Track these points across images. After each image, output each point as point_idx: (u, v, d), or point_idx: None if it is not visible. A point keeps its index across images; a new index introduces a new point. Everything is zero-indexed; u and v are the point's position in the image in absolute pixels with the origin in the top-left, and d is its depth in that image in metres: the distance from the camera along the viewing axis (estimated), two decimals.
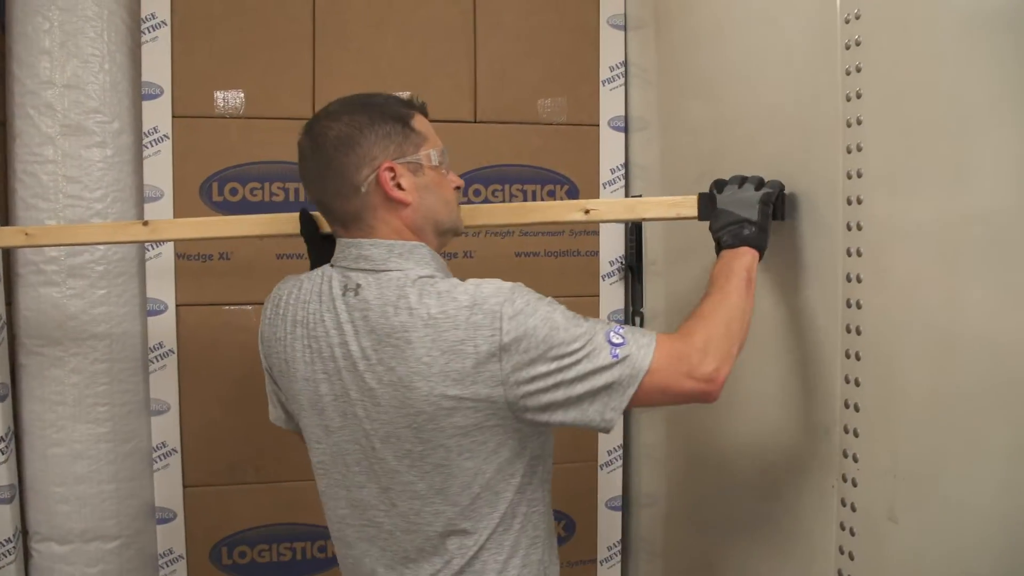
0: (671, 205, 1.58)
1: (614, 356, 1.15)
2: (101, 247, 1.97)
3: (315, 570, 2.17)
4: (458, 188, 1.37)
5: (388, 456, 1.21)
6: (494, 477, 1.22)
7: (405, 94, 1.34)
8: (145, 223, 1.65)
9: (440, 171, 1.31)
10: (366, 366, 1.18)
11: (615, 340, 1.17)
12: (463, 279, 1.20)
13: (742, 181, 1.46)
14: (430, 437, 1.17)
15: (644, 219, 1.75)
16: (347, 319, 1.20)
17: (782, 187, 1.47)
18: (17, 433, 2.04)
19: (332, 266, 1.28)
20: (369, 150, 1.23)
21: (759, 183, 1.45)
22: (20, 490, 2.04)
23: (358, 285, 1.21)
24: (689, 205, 1.54)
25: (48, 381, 1.99)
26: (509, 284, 1.18)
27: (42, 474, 2.02)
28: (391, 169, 1.23)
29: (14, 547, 1.97)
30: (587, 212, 1.59)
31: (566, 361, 1.14)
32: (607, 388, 1.15)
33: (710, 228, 1.48)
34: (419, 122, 1.30)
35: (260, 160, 2.06)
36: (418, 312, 1.15)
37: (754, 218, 1.41)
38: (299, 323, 1.26)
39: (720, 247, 1.44)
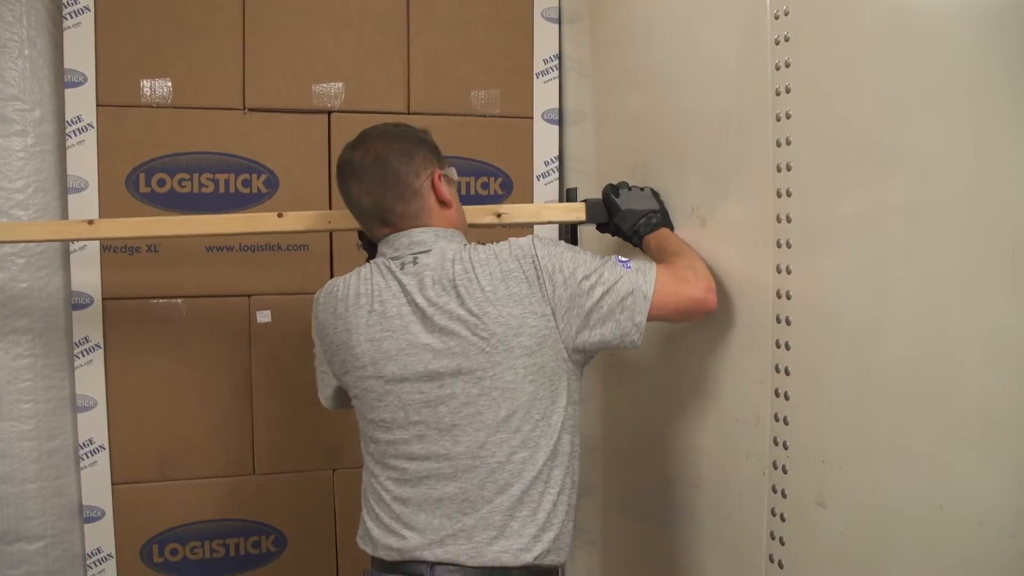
0: (568, 210, 1.82)
1: (627, 267, 1.41)
2: None
3: (249, 566, 2.14)
4: None
5: (458, 390, 1.36)
6: (550, 407, 1.38)
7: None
8: (90, 222, 1.65)
9: (456, 186, 1.59)
10: (435, 311, 1.36)
11: (623, 258, 1.43)
12: None
13: (628, 186, 1.73)
14: (501, 359, 1.35)
15: (548, 221, 1.93)
16: (409, 282, 1.39)
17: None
18: None
19: (377, 260, 1.47)
20: (424, 162, 1.48)
21: (641, 187, 1.74)
22: None
23: (415, 258, 1.42)
24: (579, 210, 1.78)
25: None
26: (530, 235, 1.45)
27: None
28: (440, 177, 1.49)
29: None
30: (499, 215, 1.78)
31: (593, 279, 1.38)
32: (632, 294, 1.37)
33: (622, 228, 1.71)
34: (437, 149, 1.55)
35: (189, 151, 2.01)
36: (472, 260, 1.38)
37: (656, 207, 1.70)
38: (363, 295, 1.43)
39: (640, 238, 1.68)
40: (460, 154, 2.18)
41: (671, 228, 1.66)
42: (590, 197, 1.77)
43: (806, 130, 1.29)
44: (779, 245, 1.35)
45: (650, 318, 1.39)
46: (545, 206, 1.99)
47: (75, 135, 1.94)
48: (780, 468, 1.37)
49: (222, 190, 2.04)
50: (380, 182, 1.45)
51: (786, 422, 1.35)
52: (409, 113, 2.15)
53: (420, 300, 1.38)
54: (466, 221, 1.59)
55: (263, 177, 2.05)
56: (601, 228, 1.78)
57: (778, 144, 1.34)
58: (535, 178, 2.24)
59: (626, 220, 1.69)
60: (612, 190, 1.72)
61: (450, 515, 1.36)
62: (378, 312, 1.41)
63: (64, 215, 1.97)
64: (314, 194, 2.08)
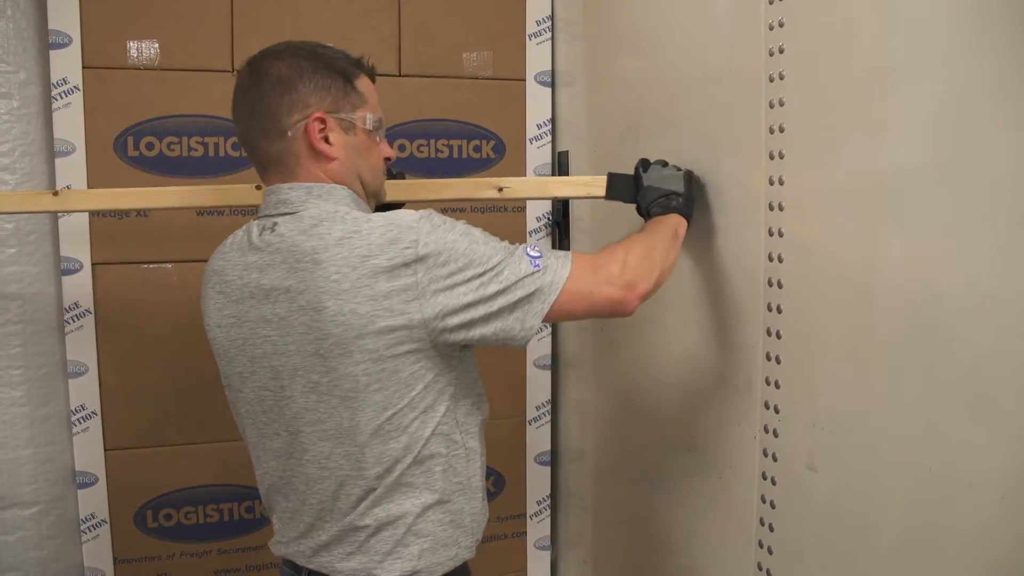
0: (582, 184, 1.63)
1: (535, 266, 1.18)
2: None
3: (243, 531, 2.15)
4: (388, 159, 1.37)
5: (296, 393, 1.18)
6: (408, 414, 1.19)
7: (367, 58, 1.35)
8: (55, 193, 1.59)
9: (373, 137, 1.30)
10: (276, 296, 1.16)
11: (533, 253, 1.20)
12: None
13: (664, 164, 1.55)
14: (337, 365, 1.14)
15: (556, 197, 1.80)
16: (260, 256, 1.19)
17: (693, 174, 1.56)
18: None
19: (253, 220, 1.27)
20: (305, 97, 1.21)
21: (678, 167, 1.54)
22: None
23: (275, 223, 1.20)
24: (598, 185, 1.60)
25: None
26: (424, 210, 1.18)
27: None
28: (322, 120, 1.22)
29: None
30: (500, 190, 1.64)
31: (489, 274, 1.15)
32: (529, 297, 1.17)
33: (639, 204, 1.55)
34: (363, 83, 1.30)
35: (177, 113, 1.99)
36: (330, 235, 1.14)
37: (681, 190, 1.51)
38: (215, 272, 1.26)
39: (648, 217, 1.52)
40: (452, 116, 2.16)
41: (688, 217, 1.49)
42: (616, 171, 1.61)
43: (799, 91, 1.28)
44: (771, 208, 1.34)
45: (551, 320, 1.23)
46: (552, 180, 1.85)
47: (61, 98, 1.91)
48: (771, 432, 1.37)
49: (211, 153, 2.01)
50: (249, 111, 1.23)
51: (777, 386, 1.35)
52: (400, 75, 2.12)
53: (265, 281, 1.18)
54: (374, 180, 1.33)
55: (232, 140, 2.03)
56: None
57: (771, 105, 1.33)
58: (528, 141, 2.22)
59: (645, 197, 1.52)
60: (643, 165, 1.55)
61: (303, 501, 1.25)
62: (225, 294, 1.24)
63: (51, 179, 1.95)
64: None
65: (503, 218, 2.22)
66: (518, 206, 2.23)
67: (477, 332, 1.17)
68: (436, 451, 1.23)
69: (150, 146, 1.98)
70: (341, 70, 1.26)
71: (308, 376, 1.17)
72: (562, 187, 1.75)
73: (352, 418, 1.17)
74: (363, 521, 1.21)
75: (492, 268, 1.16)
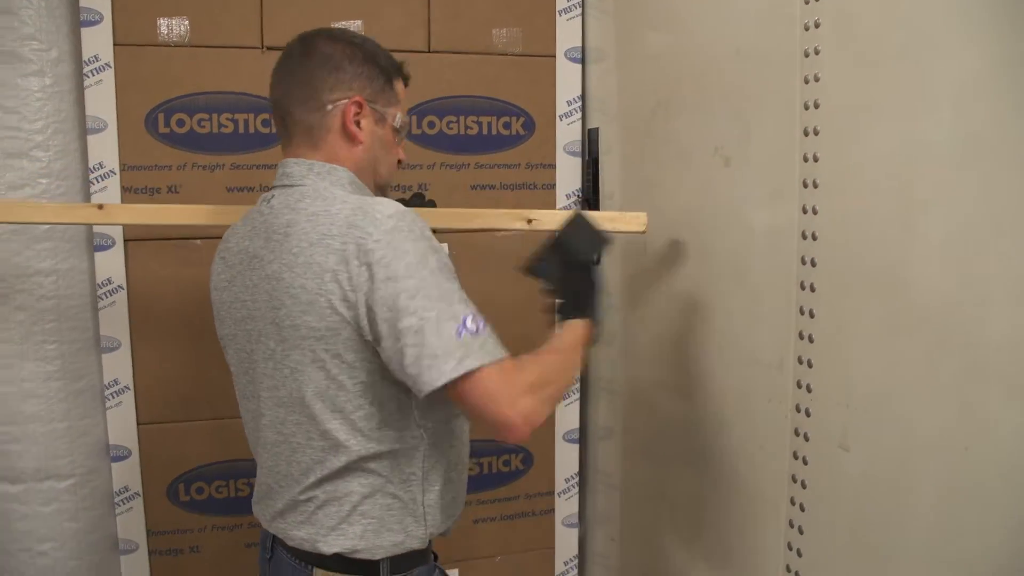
0: (608, 219, 1.65)
1: (459, 334, 1.11)
2: (43, 181, 1.91)
3: None
4: (401, 161, 1.42)
5: (259, 358, 1.24)
6: (354, 400, 1.19)
7: (406, 64, 1.42)
8: (100, 207, 1.67)
9: (396, 136, 1.38)
10: (254, 263, 1.24)
11: (469, 324, 1.12)
12: None
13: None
14: (287, 336, 1.18)
15: None
16: (251, 225, 1.28)
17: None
18: None
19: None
20: (349, 80, 1.28)
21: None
22: None
23: (273, 195, 1.28)
24: (628, 220, 1.65)
25: None
26: (410, 210, 1.17)
27: None
28: (359, 105, 1.28)
29: None
30: (530, 222, 1.65)
31: (418, 303, 1.10)
32: (434, 357, 1.10)
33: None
34: (399, 86, 1.38)
35: (207, 90, 1.99)
36: (306, 210, 1.19)
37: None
38: (223, 240, 1.36)
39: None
40: (481, 93, 2.15)
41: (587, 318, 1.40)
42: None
43: (835, 66, 1.26)
44: (805, 185, 1.32)
45: (434, 397, 1.13)
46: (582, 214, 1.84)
47: (92, 75, 1.92)
48: (803, 411, 1.36)
49: (242, 130, 2.02)
50: (293, 80, 1.27)
51: (810, 365, 1.34)
52: (429, 51, 2.11)
53: (251, 248, 1.25)
54: (388, 173, 1.37)
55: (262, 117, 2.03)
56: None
57: (806, 81, 1.31)
58: (557, 118, 2.21)
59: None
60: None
61: (269, 486, 1.30)
62: (226, 260, 1.32)
63: (84, 156, 1.96)
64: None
65: (532, 195, 2.21)
66: (548, 183, 2.21)
67: (381, 352, 1.15)
68: (386, 440, 1.22)
69: (180, 123, 1.99)
70: (385, 67, 1.33)
71: (267, 343, 1.22)
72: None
73: (299, 390, 1.20)
74: (311, 493, 1.24)
75: (427, 299, 1.11)
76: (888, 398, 1.19)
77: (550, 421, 2.31)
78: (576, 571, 2.42)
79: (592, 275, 1.44)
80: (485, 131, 2.16)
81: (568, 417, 2.33)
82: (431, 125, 2.11)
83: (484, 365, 1.11)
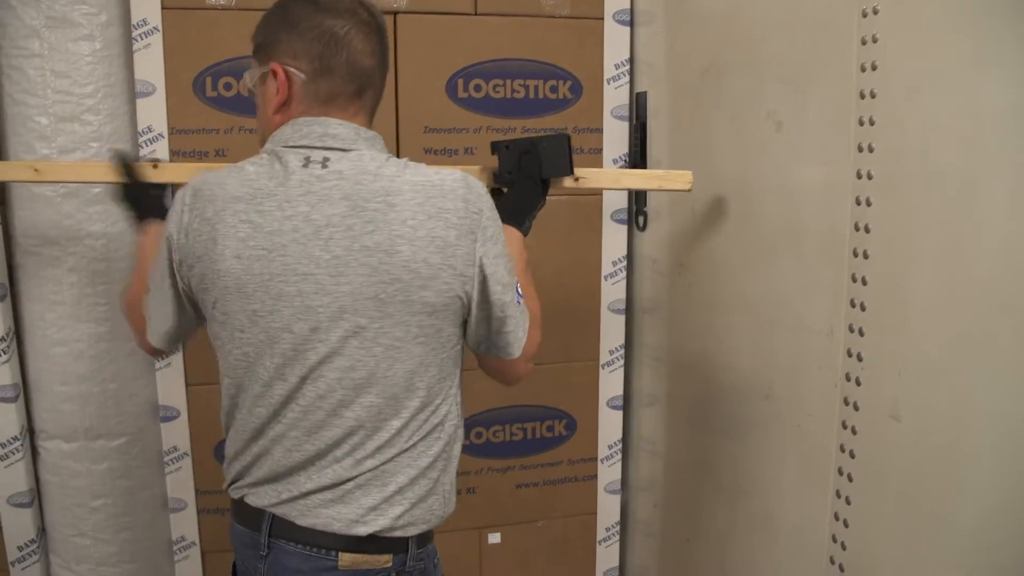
0: (655, 178, 1.70)
1: (519, 303, 1.24)
2: (94, 145, 1.93)
3: None
4: None
5: (333, 336, 1.15)
6: (436, 374, 1.21)
7: None
8: (155, 165, 1.67)
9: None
10: (331, 233, 1.13)
11: (519, 289, 1.25)
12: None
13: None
14: (394, 312, 1.14)
15: (629, 188, 1.85)
16: (311, 189, 1.15)
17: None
18: (18, 333, 2.03)
19: (280, 149, 1.21)
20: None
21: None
22: (24, 390, 2.05)
23: (325, 158, 1.17)
24: (674, 179, 1.66)
25: (46, 281, 1.98)
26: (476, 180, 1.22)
27: (45, 373, 2.02)
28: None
29: (21, 445, 1.99)
30: (576, 180, 1.63)
31: (511, 279, 1.22)
32: (518, 327, 1.24)
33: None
34: None
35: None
36: (402, 179, 1.15)
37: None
38: (240, 199, 1.16)
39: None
40: (528, 56, 2.12)
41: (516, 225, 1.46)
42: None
43: (895, 26, 1.22)
44: (860, 149, 1.29)
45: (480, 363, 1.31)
46: (625, 172, 1.85)
47: (141, 39, 1.93)
48: (853, 380, 1.34)
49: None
50: (381, 48, 1.25)
51: (861, 333, 1.31)
52: (476, 14, 2.08)
53: (317, 216, 1.13)
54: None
55: None
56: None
57: (863, 42, 1.27)
58: (605, 81, 2.17)
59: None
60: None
61: (309, 475, 1.22)
62: (255, 224, 1.15)
63: (133, 120, 1.98)
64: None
65: (578, 160, 2.15)
66: (595, 147, 2.19)
67: (475, 317, 1.22)
68: (437, 417, 1.25)
69: (228, 86, 1.99)
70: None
71: (355, 319, 1.15)
72: (635, 180, 1.81)
73: (389, 369, 1.17)
74: (354, 472, 1.20)
75: (507, 273, 1.22)
76: (943, 368, 1.16)
77: (594, 388, 2.31)
78: (618, 537, 2.43)
79: (541, 194, 1.54)
80: (532, 95, 2.14)
81: (612, 384, 2.32)
82: (477, 88, 2.09)
83: (527, 338, 1.27)
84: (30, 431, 2.05)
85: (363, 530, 1.20)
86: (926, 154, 1.17)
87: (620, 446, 2.37)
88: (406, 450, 1.21)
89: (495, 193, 1.51)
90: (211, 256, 1.17)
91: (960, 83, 1.11)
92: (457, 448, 1.31)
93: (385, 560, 1.22)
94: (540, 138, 1.54)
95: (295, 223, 1.14)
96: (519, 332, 1.24)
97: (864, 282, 1.30)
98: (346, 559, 1.20)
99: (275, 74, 1.22)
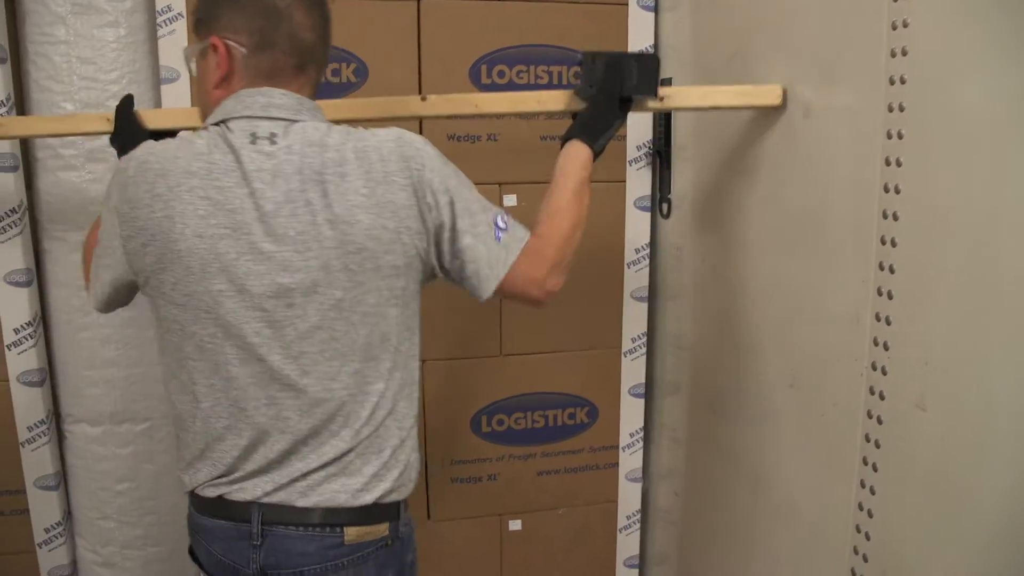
0: (742, 94, 1.59)
1: (498, 239, 1.24)
2: None
3: None
4: None
5: (310, 310, 1.15)
6: (404, 332, 1.24)
7: None
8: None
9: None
10: (292, 209, 1.13)
11: (500, 223, 1.25)
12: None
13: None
14: (365, 279, 1.17)
15: (716, 107, 1.67)
16: (263, 166, 1.14)
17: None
18: (44, 318, 2.05)
19: (223, 121, 1.20)
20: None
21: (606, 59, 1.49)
22: (50, 374, 2.07)
23: (272, 133, 1.17)
24: (766, 95, 1.57)
25: (72, 266, 1.99)
26: (414, 134, 1.23)
27: (72, 358, 2.04)
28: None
29: (47, 428, 2.01)
30: (661, 99, 1.57)
31: (468, 221, 1.21)
32: (490, 266, 1.23)
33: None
34: None
35: None
36: (346, 147, 1.16)
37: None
38: (193, 174, 1.14)
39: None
40: (552, 42, 2.11)
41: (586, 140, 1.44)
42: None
43: (926, 11, 1.20)
44: (889, 136, 1.27)
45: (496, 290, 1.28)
46: (713, 89, 1.68)
47: (165, 25, 1.93)
48: (879, 369, 1.32)
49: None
50: (322, 19, 1.26)
51: (888, 322, 1.30)
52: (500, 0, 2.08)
53: (274, 194, 1.13)
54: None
55: (352, 66, 2.02)
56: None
57: (893, 27, 1.25)
58: None
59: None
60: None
61: (306, 456, 1.21)
62: (215, 201, 1.13)
63: (157, 106, 1.99)
64: (404, 83, 2.05)
65: None
66: (619, 134, 2.17)
67: (447, 260, 1.24)
68: (411, 375, 1.28)
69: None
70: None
71: (330, 293, 1.15)
72: (725, 97, 1.63)
73: (368, 335, 1.20)
74: (354, 442, 1.22)
75: (473, 211, 1.22)
76: (971, 358, 1.15)
77: (616, 375, 2.30)
78: (639, 526, 2.43)
79: (619, 112, 1.49)
80: (555, 81, 2.13)
81: (634, 371, 2.32)
82: (500, 75, 2.09)
83: (518, 258, 1.25)
84: (56, 415, 2.08)
85: (368, 498, 1.22)
86: (957, 140, 1.16)
87: (642, 434, 2.36)
88: (391, 412, 1.25)
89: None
90: (169, 235, 1.14)
91: (993, 68, 1.09)
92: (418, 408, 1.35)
93: (383, 529, 1.26)
94: (628, 54, 1.54)
95: (255, 201, 1.14)
96: (484, 270, 1.23)
97: (892, 270, 1.28)
98: (351, 533, 1.22)
99: (215, 48, 1.21)
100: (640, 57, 1.51)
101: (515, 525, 2.33)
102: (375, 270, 1.16)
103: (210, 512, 1.25)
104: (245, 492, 1.22)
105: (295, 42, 1.22)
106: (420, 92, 2.05)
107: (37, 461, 2.02)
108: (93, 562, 2.12)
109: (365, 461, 1.23)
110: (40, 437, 2.01)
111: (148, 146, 1.21)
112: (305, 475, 1.21)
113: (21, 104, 1.95)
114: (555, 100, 1.58)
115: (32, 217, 2.00)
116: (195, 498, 1.28)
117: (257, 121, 1.18)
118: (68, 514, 2.12)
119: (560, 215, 1.34)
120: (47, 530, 2.07)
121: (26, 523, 2.06)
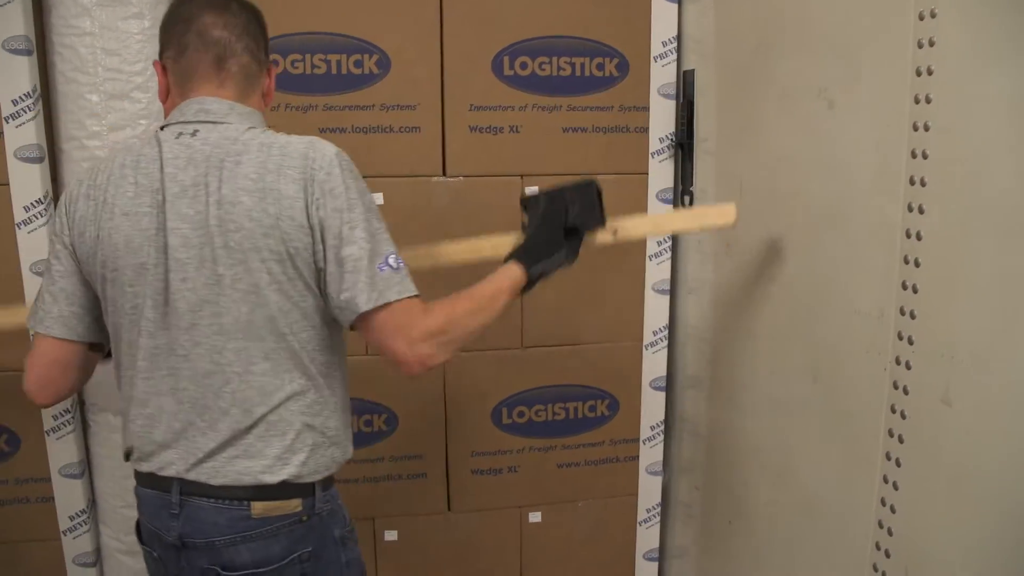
0: (697, 216, 1.69)
1: (382, 269, 1.24)
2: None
3: (361, 443, 2.21)
4: None
5: (199, 284, 1.25)
6: (303, 322, 1.28)
7: None
8: None
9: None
10: (195, 192, 1.24)
11: (392, 262, 1.25)
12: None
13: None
14: (245, 258, 1.23)
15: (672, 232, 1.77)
16: (179, 154, 1.27)
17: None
18: None
19: (165, 127, 1.34)
20: (267, 48, 1.44)
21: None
22: None
23: (196, 130, 1.29)
24: (716, 214, 1.63)
25: None
26: (339, 150, 1.29)
27: None
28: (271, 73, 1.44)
29: (72, 417, 2.03)
30: (615, 232, 1.60)
31: (357, 235, 1.23)
32: (362, 289, 1.22)
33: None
34: None
35: (301, 31, 2.00)
36: (254, 142, 1.26)
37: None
38: (127, 165, 1.30)
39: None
40: (574, 33, 2.10)
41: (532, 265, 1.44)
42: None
43: (953, 0, 1.19)
44: (915, 128, 1.26)
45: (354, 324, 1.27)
46: (664, 217, 1.77)
47: None
48: (903, 364, 1.31)
49: (334, 71, 2.02)
50: (238, 23, 1.35)
51: (912, 316, 1.29)
52: None
53: (183, 177, 1.25)
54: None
55: (375, 58, 2.03)
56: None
57: (920, 18, 1.24)
58: (652, 59, 2.15)
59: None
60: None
61: (203, 430, 1.29)
62: (140, 185, 1.28)
63: None
64: (427, 75, 2.05)
65: (624, 140, 2.17)
66: (641, 126, 2.17)
67: (325, 274, 1.26)
68: (321, 365, 1.32)
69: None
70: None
71: (215, 268, 1.23)
72: (678, 222, 1.76)
73: (250, 313, 1.25)
74: (254, 423, 1.28)
75: (364, 234, 1.24)
76: (997, 352, 1.14)
77: (637, 368, 2.30)
78: (659, 519, 2.42)
79: (563, 241, 1.50)
80: (578, 72, 2.12)
81: (655, 364, 2.31)
82: (523, 66, 2.08)
83: (397, 300, 1.24)
84: (80, 404, 2.09)
85: (271, 479, 1.29)
86: (985, 133, 1.14)
87: (662, 427, 2.36)
88: (292, 396, 1.30)
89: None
90: (102, 217, 1.29)
91: (1018, 57, 1.07)
92: (343, 394, 1.40)
93: (295, 504, 1.31)
94: (566, 186, 1.54)
95: (169, 183, 1.26)
96: (362, 282, 1.23)
97: (916, 264, 1.27)
98: (258, 507, 1.29)
99: (156, 69, 1.39)
100: (579, 186, 1.54)
101: (535, 517, 2.33)
102: (254, 250, 1.23)
103: (142, 482, 1.37)
104: (167, 469, 1.31)
105: (204, 38, 1.34)
106: (442, 84, 2.05)
107: (62, 449, 2.04)
108: (116, 550, 2.14)
109: (267, 444, 1.29)
110: (65, 426, 2.02)
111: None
112: (211, 455, 1.29)
113: (47, 96, 1.96)
114: (510, 242, 1.55)
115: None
116: (135, 473, 1.39)
117: (189, 124, 1.31)
118: (92, 502, 2.14)
119: (463, 301, 1.35)
120: (71, 518, 2.09)
121: (51, 511, 2.08)
